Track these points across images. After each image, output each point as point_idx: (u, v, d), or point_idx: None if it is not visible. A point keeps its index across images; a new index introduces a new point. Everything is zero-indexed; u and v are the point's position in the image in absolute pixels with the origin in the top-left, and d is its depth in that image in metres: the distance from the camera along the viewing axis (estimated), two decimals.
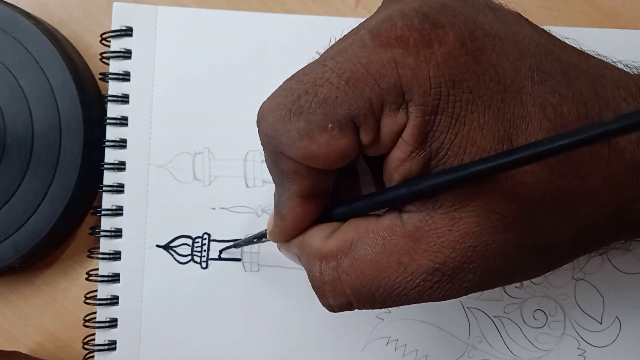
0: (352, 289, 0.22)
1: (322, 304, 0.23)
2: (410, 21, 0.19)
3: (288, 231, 0.23)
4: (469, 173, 0.18)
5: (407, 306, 0.33)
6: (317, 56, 0.25)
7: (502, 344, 0.34)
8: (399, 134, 0.20)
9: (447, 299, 0.21)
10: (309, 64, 0.21)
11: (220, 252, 0.33)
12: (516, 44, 0.20)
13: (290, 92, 0.21)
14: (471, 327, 0.34)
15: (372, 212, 0.23)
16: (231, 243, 0.33)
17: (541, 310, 0.34)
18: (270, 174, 0.23)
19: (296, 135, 0.20)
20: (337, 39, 0.24)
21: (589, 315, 0.34)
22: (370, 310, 0.23)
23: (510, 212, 0.20)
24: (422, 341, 0.33)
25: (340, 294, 0.22)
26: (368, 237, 0.21)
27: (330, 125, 0.20)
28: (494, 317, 0.34)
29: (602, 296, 0.34)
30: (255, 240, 0.29)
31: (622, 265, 0.34)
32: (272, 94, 0.22)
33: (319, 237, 0.23)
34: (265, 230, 0.26)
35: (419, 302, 0.22)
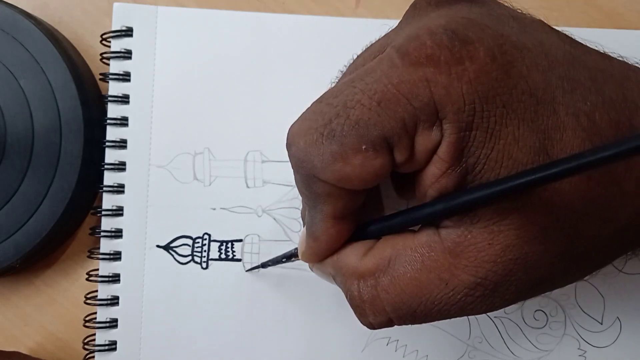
0: (393, 307, 0.21)
1: (362, 323, 0.23)
2: (439, 39, 0.19)
3: (321, 252, 0.23)
4: (508, 187, 0.18)
5: None
6: (340, 73, 0.25)
7: (503, 345, 0.34)
8: (434, 151, 0.20)
9: (489, 312, 0.22)
10: (336, 86, 0.21)
11: (246, 270, 0.33)
12: (544, 54, 0.20)
13: (320, 116, 0.20)
14: (472, 328, 0.34)
15: (408, 230, 0.22)
16: (259, 264, 0.33)
17: (542, 311, 0.34)
18: (302, 196, 0.23)
19: (330, 158, 0.20)
20: (357, 54, 0.24)
21: (589, 316, 0.34)
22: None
23: (550, 222, 0.20)
24: (422, 342, 0.33)
25: (381, 312, 0.22)
26: (406, 254, 0.21)
27: (364, 147, 0.20)
28: (495, 317, 0.34)
29: (602, 296, 0.34)
30: (284, 260, 0.29)
31: (622, 266, 0.34)
32: (301, 117, 0.21)
33: (354, 256, 0.23)
34: (295, 249, 0.26)
35: (461, 316, 0.22)
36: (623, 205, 0.21)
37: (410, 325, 0.22)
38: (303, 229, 0.25)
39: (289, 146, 0.22)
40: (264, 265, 0.32)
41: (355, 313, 0.23)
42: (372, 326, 0.23)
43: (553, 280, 0.21)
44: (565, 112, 0.20)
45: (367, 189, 0.21)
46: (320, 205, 0.22)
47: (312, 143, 0.20)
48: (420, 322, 0.22)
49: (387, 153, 0.20)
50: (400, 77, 0.19)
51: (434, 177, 0.20)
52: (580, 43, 0.22)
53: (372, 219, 0.23)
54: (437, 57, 0.19)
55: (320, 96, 0.21)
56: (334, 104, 0.20)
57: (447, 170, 0.20)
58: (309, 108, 0.21)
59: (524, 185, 0.18)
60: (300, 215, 0.33)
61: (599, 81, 0.21)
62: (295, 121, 0.22)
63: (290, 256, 0.28)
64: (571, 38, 0.22)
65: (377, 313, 0.22)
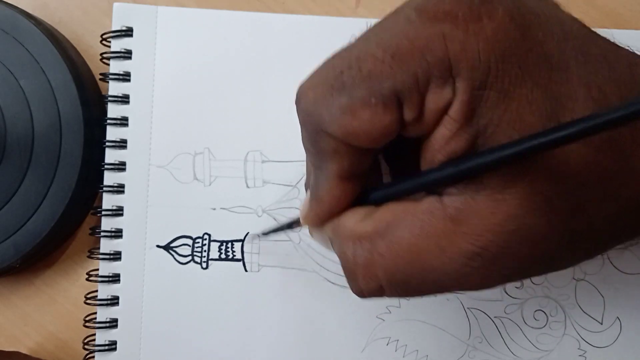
0: (386, 272, 0.21)
1: (352, 289, 0.22)
2: None
3: (324, 214, 0.23)
4: (521, 149, 0.18)
5: (407, 307, 0.33)
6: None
7: (503, 345, 0.34)
8: (444, 110, 0.19)
9: (486, 288, 0.21)
10: (350, 42, 0.21)
11: (244, 240, 0.33)
12: (560, 25, 0.20)
13: (332, 68, 0.20)
14: (472, 328, 0.34)
15: (410, 198, 0.22)
16: (259, 232, 0.32)
17: (542, 311, 0.34)
18: (308, 154, 0.23)
19: (338, 111, 0.20)
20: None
21: (589, 316, 0.34)
22: (379, 299, 0.22)
23: (554, 193, 0.19)
24: (422, 342, 0.33)
25: (373, 277, 0.21)
26: (406, 220, 0.21)
27: (373, 101, 0.19)
28: (495, 317, 0.34)
29: (602, 296, 0.34)
30: (286, 227, 0.28)
31: (622, 266, 0.34)
32: (312, 72, 0.21)
33: (354, 219, 0.22)
34: (297, 217, 0.26)
35: (455, 290, 0.21)
36: (629, 182, 0.20)
37: (401, 297, 0.22)
38: (307, 194, 0.24)
39: (298, 100, 0.21)
40: (264, 233, 0.32)
41: (347, 277, 0.22)
42: (362, 293, 0.22)
43: (553, 257, 0.21)
44: (578, 82, 0.19)
45: (373, 149, 0.21)
46: (326, 163, 0.21)
47: (321, 95, 0.20)
48: (413, 294, 0.21)
49: (396, 109, 0.19)
50: (416, 32, 0.19)
51: (444, 140, 0.20)
52: (590, 28, 0.22)
53: (375, 185, 0.23)
54: (455, 13, 0.19)
55: (334, 52, 0.21)
56: (347, 56, 0.20)
57: (457, 131, 0.19)
58: (321, 63, 0.21)
59: (535, 148, 0.17)
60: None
61: (611, 59, 0.21)
62: (307, 77, 0.21)
63: (291, 224, 0.27)
64: (582, 22, 0.22)
65: (369, 278, 0.21)
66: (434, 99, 0.19)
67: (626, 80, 0.20)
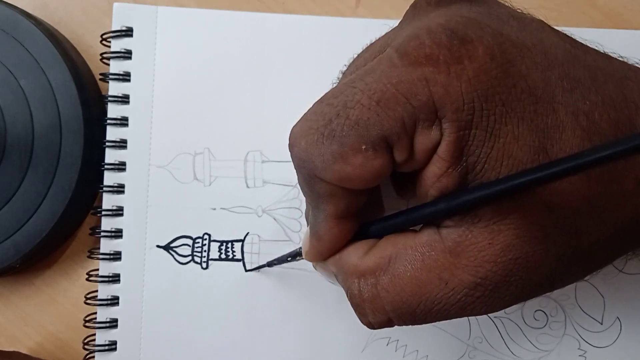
0: (393, 306, 0.21)
1: (362, 322, 0.23)
2: (438, 38, 0.19)
3: (324, 251, 0.23)
4: (509, 186, 0.18)
5: None
6: (341, 74, 0.25)
7: (503, 345, 0.34)
8: (434, 150, 0.20)
9: (489, 313, 0.21)
10: (337, 86, 0.21)
11: (247, 270, 0.33)
12: (544, 53, 0.20)
13: (321, 116, 0.21)
14: (472, 328, 0.34)
15: (409, 229, 0.22)
16: (264, 263, 0.33)
17: (542, 311, 0.34)
18: (305, 196, 0.23)
19: (330, 158, 0.20)
20: (358, 54, 0.24)
21: (589, 316, 0.34)
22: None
23: (549, 222, 0.20)
24: (422, 342, 0.33)
25: (380, 310, 0.22)
26: (407, 253, 0.21)
27: (364, 147, 0.20)
28: (495, 317, 0.34)
29: (602, 296, 0.34)
30: (289, 259, 0.29)
31: (622, 266, 0.34)
32: (302, 117, 0.21)
33: (356, 255, 0.23)
34: (299, 249, 0.26)
35: (461, 317, 0.21)
36: (623, 204, 0.21)
37: (410, 325, 0.22)
38: (307, 229, 0.25)
39: (291, 147, 0.22)
40: (269, 264, 0.32)
41: (356, 312, 0.23)
42: (371, 326, 0.23)
43: (553, 280, 0.21)
44: (564, 112, 0.20)
45: (368, 188, 0.21)
46: (323, 205, 0.22)
47: (313, 143, 0.20)
48: (420, 323, 0.22)
49: (386, 153, 0.20)
50: (399, 77, 0.19)
51: (435, 177, 0.20)
52: (580, 42, 0.22)
53: (374, 218, 0.23)
54: (436, 56, 0.19)
55: (321, 97, 0.21)
56: (334, 104, 0.20)
57: (447, 169, 0.20)
58: (310, 109, 0.21)
59: (524, 184, 0.18)
60: (301, 215, 0.33)
61: (599, 80, 0.21)
62: (297, 122, 0.22)
63: (294, 255, 0.28)
64: (571, 37, 0.22)
65: (376, 312, 0.22)
66: (422, 141, 0.20)
67: (616, 101, 0.21)
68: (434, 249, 0.21)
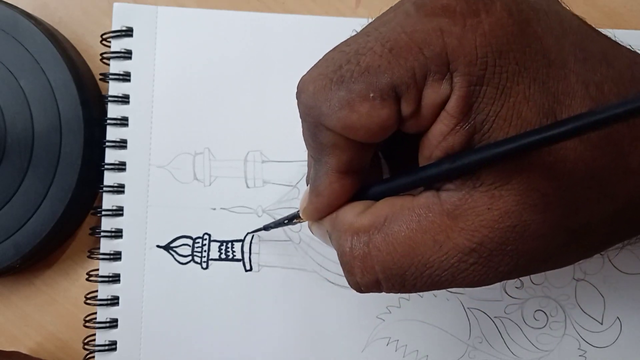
0: (383, 266, 0.21)
1: (349, 283, 0.22)
2: None
3: (323, 208, 0.23)
4: (517, 146, 0.18)
5: (407, 307, 0.33)
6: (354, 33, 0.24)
7: (503, 345, 0.34)
8: (441, 106, 0.19)
9: (482, 285, 0.21)
10: (350, 37, 0.21)
11: (246, 234, 0.33)
12: (559, 21, 0.20)
13: (331, 62, 0.20)
14: (472, 328, 0.34)
15: (408, 192, 0.22)
16: (261, 227, 0.32)
17: (542, 311, 0.34)
18: (308, 148, 0.23)
19: (337, 104, 0.20)
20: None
21: (589, 316, 0.34)
22: (381, 294, 0.22)
23: (551, 190, 0.19)
24: (422, 342, 0.33)
25: (370, 270, 0.21)
26: (403, 214, 0.21)
27: (371, 95, 0.19)
28: (495, 317, 0.34)
29: (602, 296, 0.34)
30: (286, 221, 0.28)
31: (622, 266, 0.34)
32: (313, 65, 0.21)
33: (352, 213, 0.22)
34: (297, 211, 0.26)
35: (451, 287, 0.21)
36: (626, 181, 0.20)
37: (398, 292, 0.22)
38: (306, 188, 0.24)
39: (298, 94, 0.21)
40: (266, 227, 0.32)
41: (344, 270, 0.22)
42: (358, 287, 0.22)
43: (550, 256, 0.21)
44: (575, 79, 0.19)
45: (372, 144, 0.21)
46: (326, 157, 0.22)
47: (320, 89, 0.20)
48: (409, 290, 0.21)
49: (394, 103, 0.20)
50: (414, 26, 0.19)
51: (441, 135, 0.20)
52: (592, 26, 0.22)
53: (374, 181, 0.23)
54: (452, 7, 0.19)
55: (335, 46, 0.21)
56: (346, 51, 0.20)
57: (455, 127, 0.19)
58: (322, 57, 0.21)
59: (532, 144, 0.17)
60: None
61: (610, 57, 0.21)
62: (308, 70, 0.21)
63: (292, 218, 0.27)
64: (583, 19, 0.22)
65: (365, 272, 0.21)
66: (431, 94, 0.19)
67: (625, 78, 0.20)
68: (432, 211, 0.20)
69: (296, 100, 0.21)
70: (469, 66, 0.19)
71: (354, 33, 0.24)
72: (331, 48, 0.21)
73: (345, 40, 0.21)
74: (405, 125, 0.20)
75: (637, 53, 0.23)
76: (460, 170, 0.20)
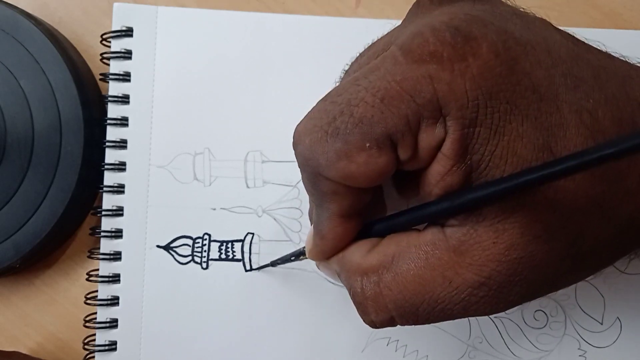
0: (395, 304, 0.21)
1: (364, 321, 0.23)
2: (442, 36, 0.19)
3: (328, 250, 0.23)
4: (514, 184, 0.18)
5: None
6: (343, 72, 0.25)
7: (503, 345, 0.34)
8: (438, 148, 0.20)
9: (494, 313, 0.21)
10: (340, 84, 0.21)
11: (253, 268, 0.33)
12: (548, 51, 0.20)
13: (325, 114, 0.20)
14: (472, 328, 0.34)
15: (413, 228, 0.22)
16: (268, 263, 0.33)
17: (542, 311, 0.34)
18: (309, 194, 0.23)
19: (334, 156, 0.20)
20: (361, 52, 0.24)
21: (589, 316, 0.34)
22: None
23: (554, 220, 0.20)
24: (422, 342, 0.33)
25: (383, 309, 0.22)
26: (410, 252, 0.21)
27: (367, 145, 0.20)
28: (495, 317, 0.34)
29: (602, 297, 0.34)
30: (293, 258, 0.29)
31: (622, 266, 0.34)
32: (306, 116, 0.21)
33: (359, 253, 0.23)
34: (303, 248, 0.26)
35: (464, 317, 0.21)
36: (625, 202, 0.20)
37: (413, 325, 0.22)
38: (310, 228, 0.25)
39: (295, 145, 0.22)
40: (273, 264, 0.32)
41: (358, 310, 0.23)
42: (374, 324, 0.23)
43: (557, 280, 0.21)
44: (568, 110, 0.20)
45: (372, 187, 0.21)
46: (327, 203, 0.22)
47: (317, 141, 0.20)
48: (423, 323, 0.22)
49: (391, 151, 0.20)
50: (403, 74, 0.19)
51: (439, 175, 0.20)
52: (583, 42, 0.22)
53: (377, 218, 0.23)
54: (439, 53, 0.19)
55: (325, 95, 0.21)
56: (338, 102, 0.20)
57: (451, 167, 0.20)
58: (314, 107, 0.21)
59: (529, 182, 0.18)
60: (301, 215, 0.33)
61: (602, 79, 0.21)
62: (301, 120, 0.22)
63: (298, 255, 0.28)
64: (574, 36, 0.22)
65: (379, 310, 0.22)
66: (427, 138, 0.20)
67: (619, 99, 0.21)
68: (438, 248, 0.21)
69: (293, 150, 0.22)
70: (460, 110, 0.19)
71: (343, 72, 0.25)
72: (321, 98, 0.21)
73: (335, 89, 0.21)
74: (404, 166, 0.21)
75: (631, 64, 0.23)
76: (460, 209, 0.20)
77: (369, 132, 0.20)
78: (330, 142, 0.20)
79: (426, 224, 0.22)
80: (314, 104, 0.22)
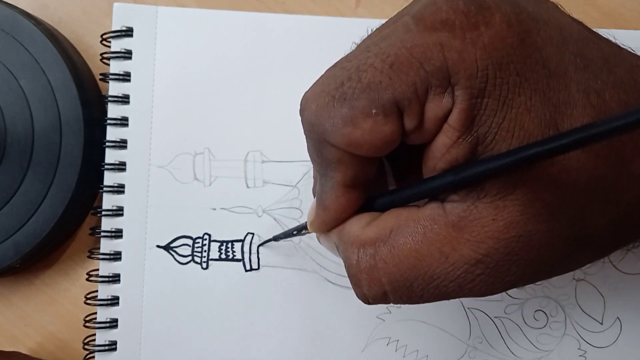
0: (389, 278, 0.21)
1: (357, 295, 0.23)
2: (455, 4, 0.19)
3: (330, 221, 0.23)
4: (520, 158, 0.18)
5: (407, 307, 0.33)
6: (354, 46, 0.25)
7: (503, 345, 0.34)
8: (444, 119, 0.20)
9: (489, 294, 0.21)
10: (351, 52, 0.21)
11: (258, 247, 0.33)
12: (559, 29, 0.20)
13: (333, 79, 0.20)
14: (472, 328, 0.34)
15: (413, 204, 0.22)
16: (271, 238, 0.32)
17: (542, 311, 0.34)
18: (313, 163, 0.23)
19: (340, 122, 0.20)
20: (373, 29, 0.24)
21: (589, 316, 0.34)
22: (384, 305, 0.22)
23: (555, 199, 0.19)
24: (422, 342, 0.33)
25: (377, 282, 0.21)
26: (408, 226, 0.21)
27: (374, 111, 0.19)
28: (495, 317, 0.34)
29: (602, 297, 0.34)
30: (295, 232, 0.28)
31: (622, 266, 0.34)
32: (315, 82, 0.21)
33: (358, 225, 0.22)
34: (305, 222, 0.26)
35: (459, 297, 0.21)
36: (629, 187, 0.20)
37: (406, 303, 0.22)
38: (313, 200, 0.24)
39: (301, 112, 0.21)
40: (275, 238, 0.32)
41: (351, 283, 0.22)
42: (366, 299, 0.22)
43: (555, 264, 0.21)
44: (576, 88, 0.20)
45: (377, 157, 0.21)
46: (331, 172, 0.22)
47: (323, 106, 0.20)
48: (417, 301, 0.21)
49: (397, 119, 0.20)
50: (414, 41, 0.19)
51: (445, 148, 0.20)
52: (593, 30, 0.22)
53: (380, 193, 0.23)
54: (452, 21, 0.19)
55: (336, 62, 0.21)
56: (347, 67, 0.20)
57: (457, 139, 0.19)
58: (323, 74, 0.21)
59: (535, 156, 0.17)
60: (301, 215, 0.33)
61: (611, 63, 0.21)
62: (310, 87, 0.21)
63: (301, 229, 0.28)
64: (584, 24, 0.22)
65: (372, 284, 0.21)
66: (434, 108, 0.19)
67: (626, 84, 0.20)
68: (437, 223, 0.20)
69: (300, 117, 0.22)
70: (469, 79, 0.19)
71: (354, 46, 0.24)
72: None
73: (345, 56, 0.21)
74: (409, 138, 0.21)
75: (638, 56, 0.22)
76: (464, 182, 0.20)
77: (376, 97, 0.19)
78: (336, 107, 0.20)
79: (427, 200, 0.22)
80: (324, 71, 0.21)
